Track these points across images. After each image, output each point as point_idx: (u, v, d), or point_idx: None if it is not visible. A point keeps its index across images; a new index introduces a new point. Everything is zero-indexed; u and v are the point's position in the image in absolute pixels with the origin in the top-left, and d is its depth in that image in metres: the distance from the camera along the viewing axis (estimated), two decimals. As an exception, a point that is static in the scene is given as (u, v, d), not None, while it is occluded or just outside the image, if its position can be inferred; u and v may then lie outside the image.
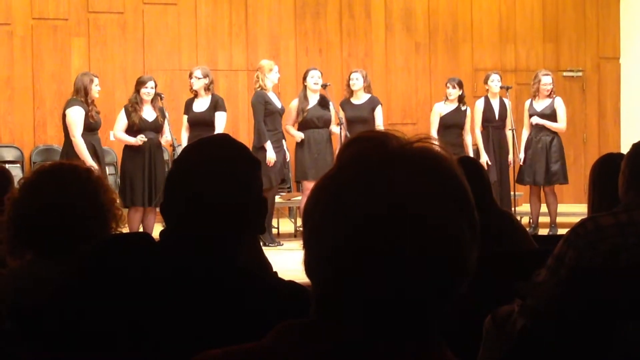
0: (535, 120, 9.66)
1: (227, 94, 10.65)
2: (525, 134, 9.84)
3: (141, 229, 8.26)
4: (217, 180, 1.95)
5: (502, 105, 9.86)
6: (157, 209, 8.25)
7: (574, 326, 2.62)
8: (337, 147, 8.98)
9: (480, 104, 9.87)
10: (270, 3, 11.46)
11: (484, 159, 9.53)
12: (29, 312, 2.21)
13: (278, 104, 9.05)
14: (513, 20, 12.27)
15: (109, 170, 9.49)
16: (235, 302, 1.83)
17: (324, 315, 1.11)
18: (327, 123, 9.17)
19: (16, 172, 9.20)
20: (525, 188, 10.16)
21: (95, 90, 8.37)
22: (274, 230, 9.22)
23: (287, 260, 6.41)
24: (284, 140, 9.08)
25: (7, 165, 8.10)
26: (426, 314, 1.10)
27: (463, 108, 9.77)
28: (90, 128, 8.34)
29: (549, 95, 9.74)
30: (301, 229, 1.67)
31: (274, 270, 2.76)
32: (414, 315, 1.09)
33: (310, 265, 1.13)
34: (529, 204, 10.01)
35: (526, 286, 2.93)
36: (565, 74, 12.32)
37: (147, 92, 8.54)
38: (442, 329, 1.12)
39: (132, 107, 8.54)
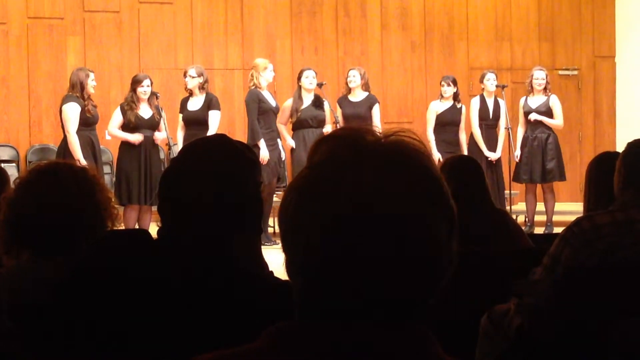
0: (534, 116, 9.63)
1: (223, 92, 10.64)
2: (520, 131, 9.82)
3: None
4: (214, 180, 1.95)
5: (497, 105, 9.85)
6: (153, 208, 8.25)
7: (570, 324, 2.62)
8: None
9: (475, 102, 9.87)
10: (265, 2, 11.45)
11: (490, 154, 9.58)
12: (26, 312, 2.21)
13: (272, 103, 9.05)
14: (509, 19, 12.27)
15: (105, 169, 9.46)
16: (233, 302, 1.83)
17: (305, 316, 1.10)
18: (321, 123, 9.18)
19: (12, 171, 9.19)
20: (521, 186, 10.16)
21: (91, 85, 8.34)
22: (270, 229, 9.22)
23: (283, 260, 6.39)
24: (279, 139, 9.08)
25: (2, 165, 8.08)
26: (408, 310, 1.08)
27: (458, 106, 9.77)
28: (88, 123, 8.31)
29: (544, 92, 9.73)
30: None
31: (270, 270, 2.75)
32: (396, 313, 1.08)
33: (287, 267, 1.13)
34: (524, 203, 10.02)
35: (522, 285, 2.94)
36: (560, 72, 12.32)
37: (144, 90, 8.52)
38: (437, 328, 1.12)
39: (129, 105, 8.52)
